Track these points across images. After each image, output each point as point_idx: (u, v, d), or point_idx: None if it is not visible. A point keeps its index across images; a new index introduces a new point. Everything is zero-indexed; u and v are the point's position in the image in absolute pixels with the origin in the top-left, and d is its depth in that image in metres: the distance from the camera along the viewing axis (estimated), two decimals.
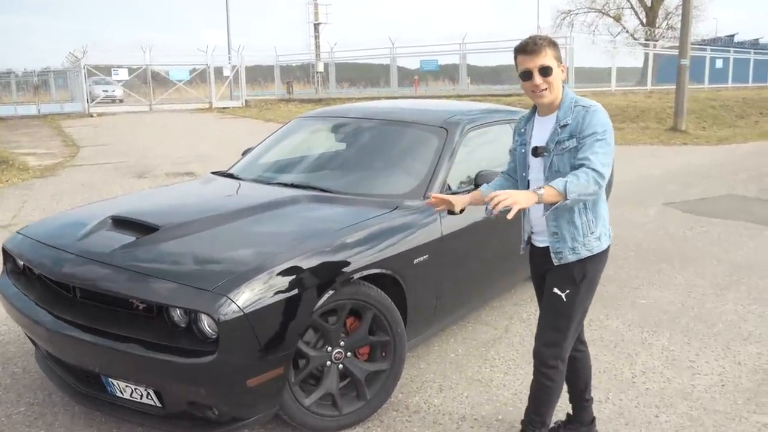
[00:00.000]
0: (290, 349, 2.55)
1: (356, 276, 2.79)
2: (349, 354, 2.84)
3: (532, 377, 2.59)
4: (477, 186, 3.43)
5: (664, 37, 39.63)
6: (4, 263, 3.29)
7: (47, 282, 2.97)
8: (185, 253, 2.76)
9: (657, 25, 41.11)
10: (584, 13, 43.96)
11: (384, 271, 2.93)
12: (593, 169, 2.23)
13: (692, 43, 17.86)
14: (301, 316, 2.57)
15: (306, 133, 4.61)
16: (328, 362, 2.79)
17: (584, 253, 2.41)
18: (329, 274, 2.69)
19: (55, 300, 2.85)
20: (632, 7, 43.20)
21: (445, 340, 3.79)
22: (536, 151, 2.45)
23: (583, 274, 2.44)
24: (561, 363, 2.51)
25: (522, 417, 2.66)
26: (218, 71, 28.03)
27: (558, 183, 2.22)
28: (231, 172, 4.15)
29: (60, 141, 15.18)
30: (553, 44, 2.37)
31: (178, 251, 2.76)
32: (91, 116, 22.86)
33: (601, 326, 4.07)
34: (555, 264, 2.45)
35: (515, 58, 2.41)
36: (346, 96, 27.88)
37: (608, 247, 2.49)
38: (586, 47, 28.47)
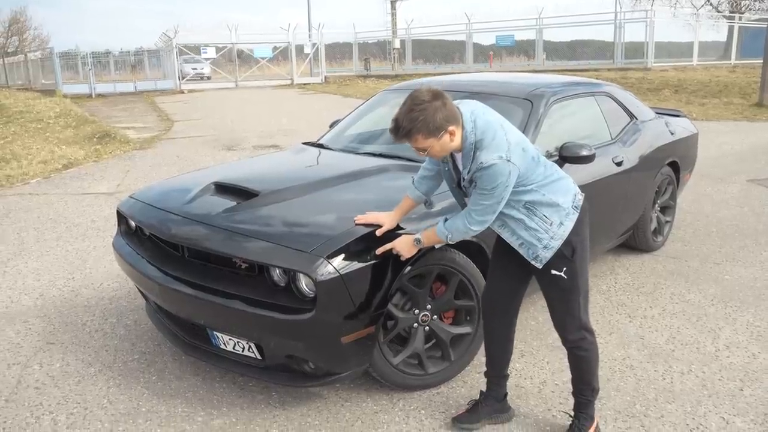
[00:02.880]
0: (381, 310, 2.68)
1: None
2: (435, 317, 2.96)
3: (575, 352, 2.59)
4: (562, 158, 3.47)
5: (750, 9, 37.03)
6: (119, 225, 3.59)
7: (158, 242, 3.24)
8: (283, 216, 2.93)
9: None
10: None
11: (470, 238, 3.01)
12: (468, 226, 2.40)
13: None
14: (390, 279, 2.69)
15: (391, 106, 4.70)
16: (415, 324, 2.91)
17: (557, 244, 2.40)
18: None
19: (166, 258, 3.10)
20: None
21: (525, 308, 3.85)
22: (460, 185, 2.52)
23: (572, 249, 2.42)
24: (586, 332, 2.54)
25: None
26: (299, 49, 28.67)
27: (441, 232, 2.47)
28: (321, 142, 4.33)
29: (155, 116, 16.03)
30: (428, 120, 2.21)
31: (276, 215, 2.94)
32: (182, 93, 23.97)
33: (682, 300, 4.02)
34: (540, 268, 2.45)
35: None
36: (422, 71, 27.83)
37: (577, 217, 2.44)
38: (666, 21, 27.21)
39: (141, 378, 3.17)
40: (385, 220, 2.69)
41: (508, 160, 2.26)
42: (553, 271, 2.44)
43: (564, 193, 2.44)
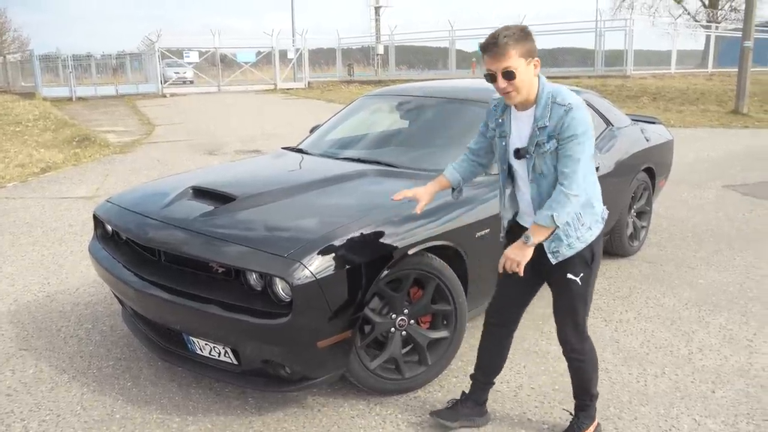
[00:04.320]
0: (357, 314, 2.68)
1: (420, 247, 2.89)
2: (412, 321, 2.96)
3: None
4: None
5: (726, 19, 37.98)
6: (95, 229, 3.56)
7: (134, 246, 3.21)
8: (260, 221, 2.92)
9: (719, 7, 39.32)
10: None
11: (447, 243, 3.02)
12: (568, 193, 2.24)
13: (756, 25, 17.04)
14: (367, 283, 2.69)
15: (371, 111, 4.74)
16: (392, 329, 2.91)
17: (579, 246, 2.38)
18: (394, 245, 2.80)
19: (142, 263, 3.07)
20: None
21: None
22: (518, 154, 2.39)
23: (592, 255, 2.42)
24: (585, 340, 2.55)
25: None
26: (283, 54, 28.60)
27: (545, 220, 2.27)
28: (300, 147, 4.33)
29: (136, 120, 15.91)
30: (522, 39, 2.20)
31: (253, 219, 2.94)
32: (164, 97, 23.80)
33: (657, 304, 4.07)
34: (553, 263, 2.40)
35: (482, 55, 2.28)
36: (405, 77, 27.92)
37: (600, 229, 2.44)
38: (645, 30, 27.69)
39: (116, 384, 3.14)
40: (423, 195, 2.64)
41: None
42: (570, 275, 2.42)
43: (598, 200, 2.45)
